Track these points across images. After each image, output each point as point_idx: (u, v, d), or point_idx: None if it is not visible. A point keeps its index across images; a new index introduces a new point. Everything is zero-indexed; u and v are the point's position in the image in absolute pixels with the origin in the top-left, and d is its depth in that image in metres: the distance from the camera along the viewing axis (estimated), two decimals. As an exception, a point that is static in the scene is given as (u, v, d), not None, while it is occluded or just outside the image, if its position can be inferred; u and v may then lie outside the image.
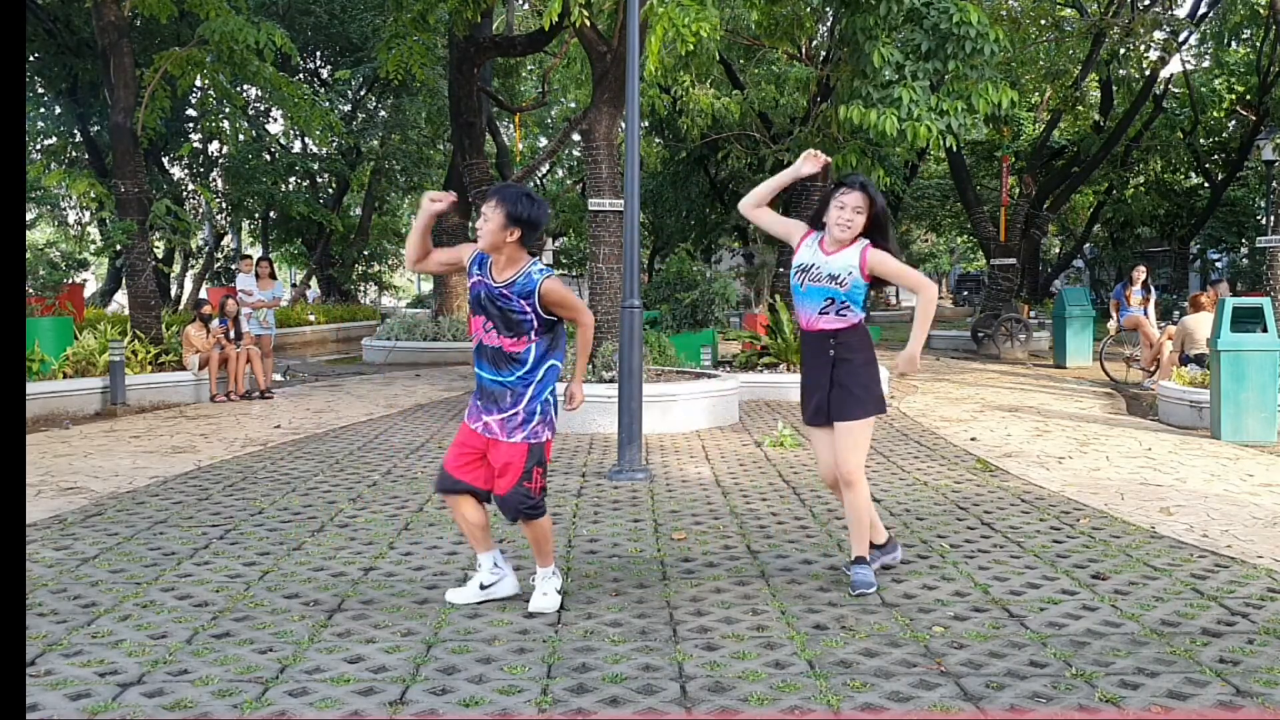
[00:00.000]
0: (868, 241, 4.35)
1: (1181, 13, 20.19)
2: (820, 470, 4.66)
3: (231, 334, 11.84)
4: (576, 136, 12.62)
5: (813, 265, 4.37)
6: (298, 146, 27.53)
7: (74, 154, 21.51)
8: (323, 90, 23.56)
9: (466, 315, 4.33)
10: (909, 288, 4.48)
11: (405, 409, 11.07)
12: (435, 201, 4.12)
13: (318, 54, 24.89)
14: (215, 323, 11.92)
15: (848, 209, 4.30)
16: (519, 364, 4.12)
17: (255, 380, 12.06)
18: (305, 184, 26.36)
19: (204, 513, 6.05)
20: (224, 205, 25.44)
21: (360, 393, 12.71)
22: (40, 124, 21.14)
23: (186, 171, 24.15)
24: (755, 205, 4.63)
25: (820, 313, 4.38)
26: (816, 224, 4.48)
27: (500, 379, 4.11)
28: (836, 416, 4.40)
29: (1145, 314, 13.86)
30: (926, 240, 41.35)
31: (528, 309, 4.06)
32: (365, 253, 28.27)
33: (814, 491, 6.65)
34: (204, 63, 12.78)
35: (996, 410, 10.93)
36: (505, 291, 4.07)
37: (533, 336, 4.10)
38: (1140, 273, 14.25)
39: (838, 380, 4.39)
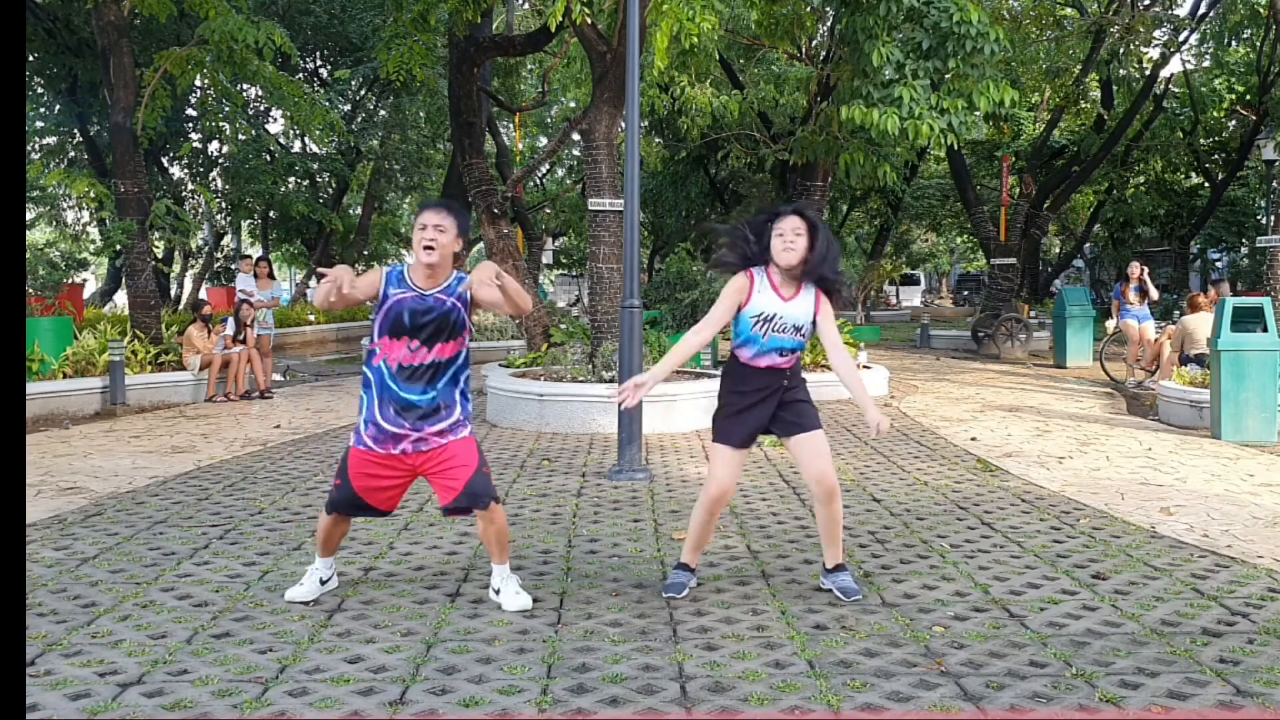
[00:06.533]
0: (816, 288, 4.28)
1: (1181, 12, 20.23)
2: (716, 488, 4.38)
3: (242, 337, 11.84)
4: (576, 136, 12.61)
5: (775, 315, 4.22)
6: (298, 146, 27.52)
7: (74, 154, 21.50)
8: (323, 90, 23.54)
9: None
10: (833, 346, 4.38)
11: (405, 409, 11.06)
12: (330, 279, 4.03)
13: (318, 54, 24.88)
14: (229, 323, 11.89)
15: (788, 233, 4.20)
16: (454, 369, 4.18)
17: (255, 380, 12.06)
18: (305, 184, 26.36)
19: (204, 513, 6.05)
20: (224, 205, 25.43)
21: (360, 393, 12.70)
22: (40, 124, 21.13)
23: (186, 171, 24.14)
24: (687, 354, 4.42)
25: (780, 355, 4.28)
26: (756, 261, 4.30)
27: (431, 393, 4.13)
28: (809, 427, 4.32)
29: (1141, 318, 13.84)
30: (926, 240, 41.33)
31: (461, 307, 4.14)
32: (365, 252, 28.27)
33: (814, 491, 6.64)
34: (204, 62, 12.77)
35: (997, 410, 10.93)
36: (440, 295, 4.12)
37: (466, 337, 4.19)
38: (1135, 269, 14.24)
39: (789, 401, 4.33)
